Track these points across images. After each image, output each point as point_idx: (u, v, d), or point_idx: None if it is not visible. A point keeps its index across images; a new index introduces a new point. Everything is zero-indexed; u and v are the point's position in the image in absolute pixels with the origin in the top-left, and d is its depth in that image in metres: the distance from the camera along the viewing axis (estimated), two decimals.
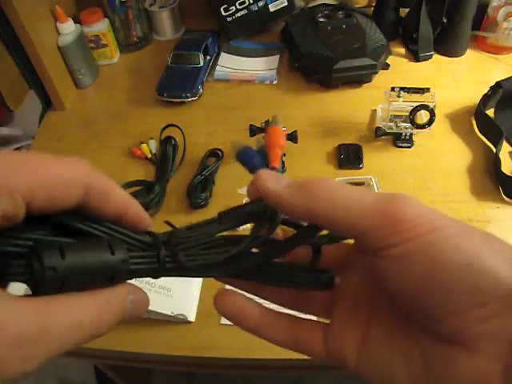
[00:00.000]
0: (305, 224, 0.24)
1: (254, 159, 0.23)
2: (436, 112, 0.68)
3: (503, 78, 0.74)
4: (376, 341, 0.23)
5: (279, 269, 0.25)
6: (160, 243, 0.23)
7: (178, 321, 0.55)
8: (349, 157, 0.70)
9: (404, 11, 0.91)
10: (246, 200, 0.64)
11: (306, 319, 0.26)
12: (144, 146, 0.74)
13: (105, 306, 0.20)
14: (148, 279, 0.56)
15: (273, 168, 0.24)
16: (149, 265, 0.23)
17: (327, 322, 0.26)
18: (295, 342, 0.25)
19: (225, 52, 0.92)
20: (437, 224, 0.20)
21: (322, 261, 0.26)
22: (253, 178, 0.24)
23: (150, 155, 0.74)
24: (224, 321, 0.55)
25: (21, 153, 0.21)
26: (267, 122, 0.69)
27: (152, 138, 0.75)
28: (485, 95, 0.75)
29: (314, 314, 0.27)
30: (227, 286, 0.27)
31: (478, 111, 0.75)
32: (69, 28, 0.80)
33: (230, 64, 0.90)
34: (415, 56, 0.88)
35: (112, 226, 0.22)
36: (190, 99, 0.81)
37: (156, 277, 0.24)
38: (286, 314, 0.26)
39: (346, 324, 0.25)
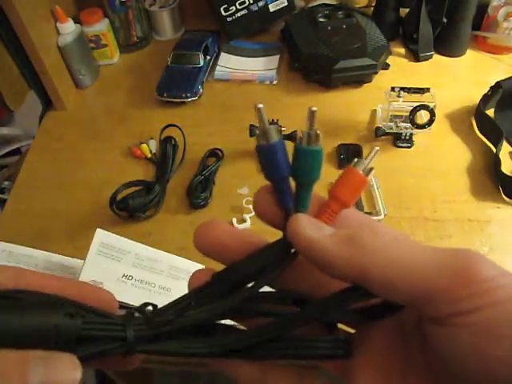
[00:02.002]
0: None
1: (281, 167, 0.20)
2: (436, 112, 0.68)
3: (503, 78, 0.74)
4: None
5: (290, 340, 0.21)
6: (128, 313, 0.19)
7: None
8: (349, 157, 0.70)
9: (404, 11, 0.91)
10: (246, 200, 0.64)
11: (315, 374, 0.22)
12: (144, 146, 0.74)
13: None
14: (148, 278, 0.56)
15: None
16: (110, 331, 0.18)
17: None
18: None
19: (225, 52, 0.92)
20: None
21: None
22: (287, 221, 0.20)
23: (149, 155, 0.74)
24: (224, 321, 0.55)
25: None
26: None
27: (152, 138, 0.75)
28: (485, 95, 0.75)
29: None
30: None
31: (478, 111, 0.75)
32: (69, 28, 0.80)
33: (230, 64, 0.90)
34: (415, 56, 0.88)
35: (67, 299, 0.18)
36: (190, 99, 0.81)
37: (124, 352, 0.19)
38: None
39: None
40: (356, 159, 0.21)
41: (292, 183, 0.21)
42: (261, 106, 0.21)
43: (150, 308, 0.20)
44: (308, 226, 0.19)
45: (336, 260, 0.18)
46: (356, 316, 0.21)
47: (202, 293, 0.21)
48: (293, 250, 0.21)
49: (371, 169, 0.21)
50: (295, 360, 0.21)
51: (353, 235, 0.19)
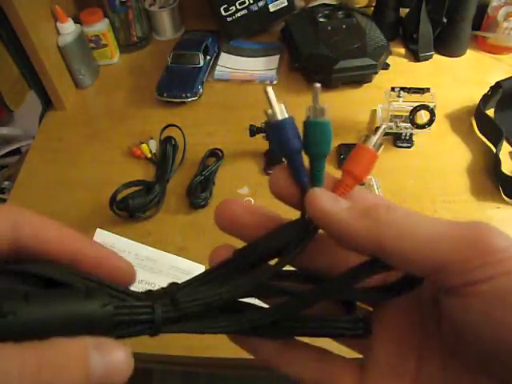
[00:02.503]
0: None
1: (293, 141, 0.21)
2: (436, 112, 0.68)
3: (503, 77, 0.74)
4: None
5: (311, 319, 0.22)
6: (155, 292, 0.20)
7: None
8: None
9: (404, 11, 0.91)
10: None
11: (336, 355, 0.23)
12: (144, 146, 0.74)
13: (48, 361, 0.15)
14: (148, 278, 0.56)
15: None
16: (139, 315, 0.19)
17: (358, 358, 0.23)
18: (320, 376, 0.22)
19: (225, 52, 0.92)
20: None
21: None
22: (304, 197, 0.20)
23: (149, 155, 0.74)
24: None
25: None
26: (267, 122, 0.69)
27: (152, 138, 0.75)
28: (485, 95, 0.75)
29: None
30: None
31: (478, 111, 0.75)
32: (69, 28, 0.80)
33: (230, 64, 0.90)
34: (415, 56, 0.88)
35: (91, 277, 0.18)
36: (190, 99, 0.81)
37: (152, 333, 0.20)
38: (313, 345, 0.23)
39: (389, 372, 0.21)
40: (365, 136, 0.22)
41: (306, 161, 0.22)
42: (269, 88, 0.22)
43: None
44: (325, 200, 0.20)
45: (353, 232, 0.19)
46: (375, 293, 0.21)
47: (223, 269, 0.21)
48: (312, 226, 0.21)
49: (381, 144, 0.22)
50: (317, 337, 0.22)
51: (369, 209, 0.19)
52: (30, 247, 0.18)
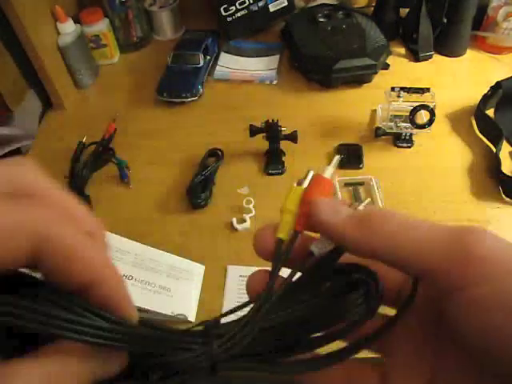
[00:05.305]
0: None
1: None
2: (436, 112, 0.68)
3: (503, 77, 0.74)
4: None
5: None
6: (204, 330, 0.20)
7: (178, 321, 0.55)
8: (349, 157, 0.70)
9: (404, 11, 0.91)
10: (246, 200, 0.64)
11: (358, 360, 0.23)
12: None
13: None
14: (148, 278, 0.56)
15: (294, 232, 0.23)
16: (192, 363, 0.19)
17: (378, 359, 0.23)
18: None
19: (225, 52, 0.92)
20: None
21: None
22: (309, 207, 0.22)
23: None
24: (224, 320, 0.55)
25: None
26: (267, 121, 0.69)
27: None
28: (485, 95, 0.75)
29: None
30: None
31: (478, 111, 0.75)
32: (69, 28, 0.80)
33: (230, 64, 0.90)
34: (415, 56, 0.88)
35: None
36: (190, 99, 0.81)
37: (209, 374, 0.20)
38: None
39: (406, 373, 0.22)
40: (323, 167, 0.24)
41: None
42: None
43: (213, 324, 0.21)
44: (325, 211, 0.21)
45: (350, 241, 0.20)
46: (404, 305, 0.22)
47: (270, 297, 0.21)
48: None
49: (334, 173, 0.24)
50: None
51: (363, 219, 0.20)
52: (49, 261, 0.16)
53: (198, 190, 0.67)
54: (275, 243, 0.23)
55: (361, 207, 0.22)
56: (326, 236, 0.21)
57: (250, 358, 0.21)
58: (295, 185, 0.23)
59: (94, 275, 0.17)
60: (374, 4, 0.93)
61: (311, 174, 0.24)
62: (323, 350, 0.22)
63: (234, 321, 0.21)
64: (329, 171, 0.23)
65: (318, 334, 0.22)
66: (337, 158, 0.25)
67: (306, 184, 0.23)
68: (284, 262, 0.22)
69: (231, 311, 0.22)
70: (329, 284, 0.22)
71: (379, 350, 0.24)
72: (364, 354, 0.23)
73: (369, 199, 0.24)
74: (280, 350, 0.21)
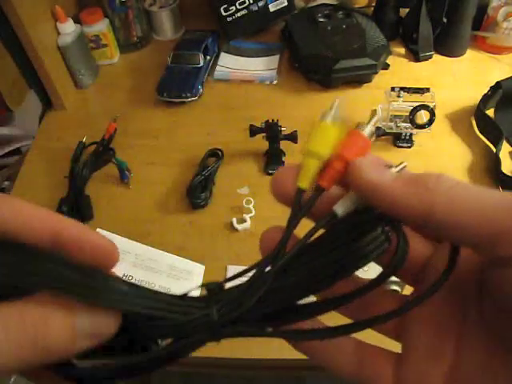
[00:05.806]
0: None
1: None
2: (436, 112, 0.68)
3: (503, 77, 0.74)
4: (469, 375, 0.19)
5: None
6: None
7: None
8: None
9: (404, 11, 0.91)
10: (246, 200, 0.64)
11: (372, 345, 0.22)
12: None
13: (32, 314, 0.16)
14: (148, 278, 0.56)
15: (318, 186, 0.20)
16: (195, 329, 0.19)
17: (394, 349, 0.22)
18: (359, 368, 0.22)
19: (225, 52, 0.92)
20: None
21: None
22: (349, 166, 0.19)
23: None
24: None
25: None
26: (267, 121, 0.69)
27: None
28: (485, 95, 0.75)
29: (380, 332, 0.23)
30: None
31: (478, 111, 0.75)
32: (69, 28, 0.80)
33: (230, 64, 0.90)
34: (415, 56, 0.88)
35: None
36: (189, 99, 0.81)
37: (211, 341, 0.19)
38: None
39: (427, 354, 0.20)
40: (358, 123, 0.21)
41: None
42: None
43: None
44: (371, 170, 0.19)
45: (403, 201, 0.18)
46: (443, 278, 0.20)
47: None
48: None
49: (373, 133, 0.21)
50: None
51: (418, 177, 0.18)
52: (10, 228, 0.18)
53: (197, 190, 0.67)
54: (295, 192, 0.20)
55: (398, 169, 0.20)
56: (376, 201, 0.19)
57: (254, 323, 0.19)
58: (321, 120, 0.20)
59: (54, 224, 0.18)
60: (373, 4, 0.93)
61: (337, 102, 0.21)
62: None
63: (239, 284, 0.19)
64: (368, 129, 0.21)
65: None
66: (376, 117, 0.22)
67: (331, 116, 0.20)
68: (302, 217, 0.20)
69: (237, 275, 0.21)
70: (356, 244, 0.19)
71: (393, 331, 0.22)
72: (377, 339, 0.22)
73: (405, 163, 0.21)
74: (286, 315, 0.20)
